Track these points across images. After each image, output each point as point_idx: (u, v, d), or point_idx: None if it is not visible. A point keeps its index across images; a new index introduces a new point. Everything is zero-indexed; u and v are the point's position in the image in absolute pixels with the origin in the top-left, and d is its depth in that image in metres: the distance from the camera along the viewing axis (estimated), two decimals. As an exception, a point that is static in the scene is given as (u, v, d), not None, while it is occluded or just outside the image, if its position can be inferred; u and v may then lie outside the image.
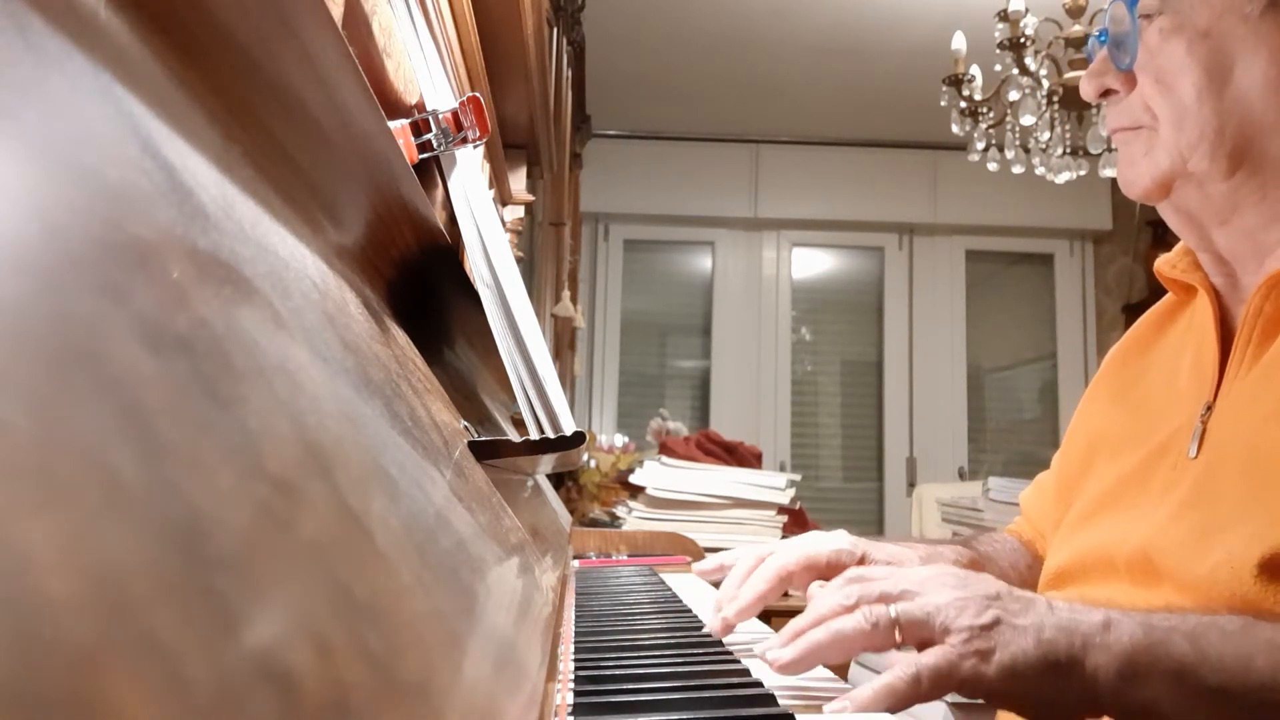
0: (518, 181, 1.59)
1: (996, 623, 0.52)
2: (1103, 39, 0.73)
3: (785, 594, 0.79)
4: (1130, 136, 0.71)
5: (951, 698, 1.22)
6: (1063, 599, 0.65)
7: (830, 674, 0.60)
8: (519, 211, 1.57)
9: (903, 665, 0.51)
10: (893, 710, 0.50)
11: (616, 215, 4.56)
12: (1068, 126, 2.61)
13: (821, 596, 0.58)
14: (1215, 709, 0.50)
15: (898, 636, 0.53)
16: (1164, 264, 0.78)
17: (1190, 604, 0.60)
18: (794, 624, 0.56)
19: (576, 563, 1.34)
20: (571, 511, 2.00)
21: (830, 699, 0.52)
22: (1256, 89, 0.64)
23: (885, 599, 0.55)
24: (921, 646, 0.53)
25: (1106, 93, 0.72)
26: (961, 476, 4.35)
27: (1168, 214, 0.74)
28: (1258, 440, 0.61)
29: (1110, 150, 2.43)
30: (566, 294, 2.72)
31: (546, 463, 0.76)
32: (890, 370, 4.56)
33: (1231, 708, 0.50)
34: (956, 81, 2.68)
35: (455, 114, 0.72)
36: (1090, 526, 0.74)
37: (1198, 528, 0.62)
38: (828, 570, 0.74)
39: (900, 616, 0.53)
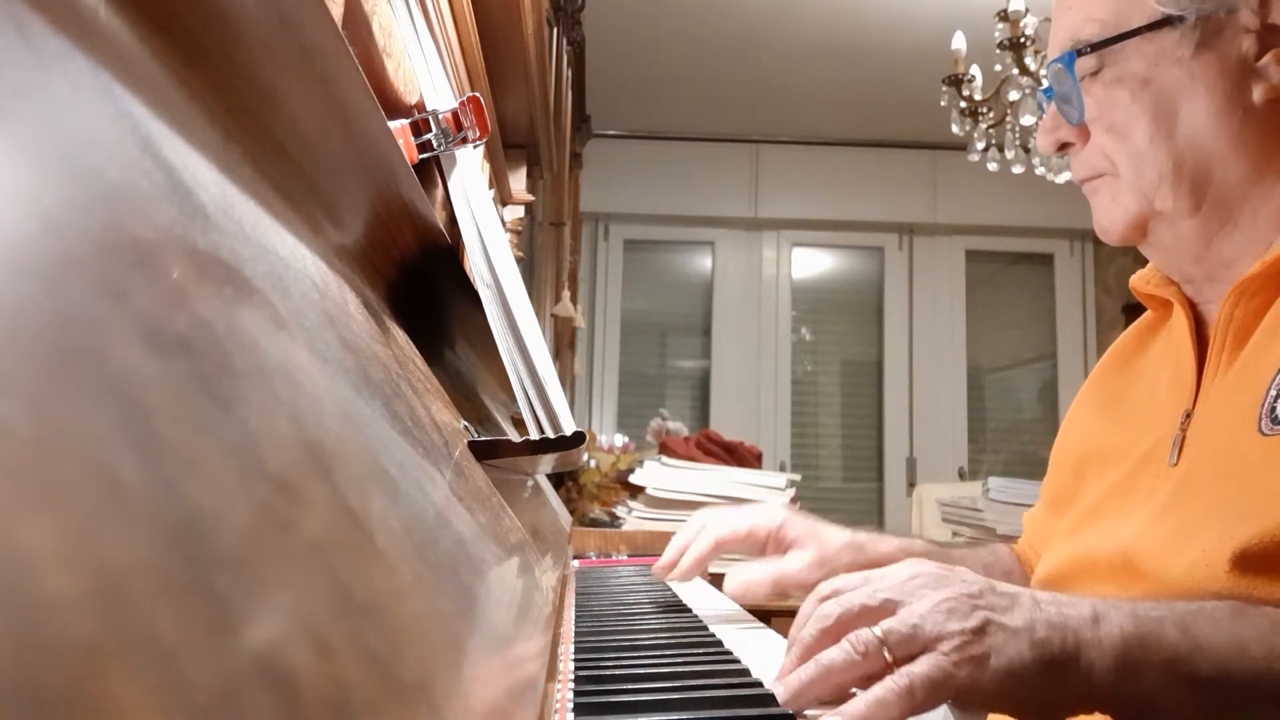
0: (518, 181, 1.58)
1: (986, 624, 0.50)
2: (1049, 94, 0.75)
3: (786, 596, 0.88)
4: (1096, 185, 0.74)
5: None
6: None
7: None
8: (519, 211, 1.57)
9: (894, 676, 0.49)
10: None
11: (616, 215, 4.56)
12: (1068, 126, 2.61)
13: (799, 621, 0.56)
14: (1210, 697, 0.50)
15: (888, 656, 0.50)
16: (1138, 280, 0.80)
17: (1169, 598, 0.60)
18: (784, 663, 0.54)
19: (576, 563, 1.34)
20: (571, 511, 2.00)
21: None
22: (1202, 125, 0.67)
23: (866, 614, 0.52)
24: (913, 659, 0.51)
25: (1064, 146, 0.75)
26: (961, 476, 4.35)
27: (1149, 253, 0.76)
28: (1231, 443, 0.62)
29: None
30: (566, 294, 2.71)
31: (546, 463, 0.76)
32: (890, 370, 4.56)
33: (1226, 695, 0.50)
34: (956, 81, 2.68)
35: (455, 114, 0.72)
36: (1078, 535, 0.75)
37: (1175, 530, 0.62)
38: (750, 540, 0.88)
39: (887, 636, 0.50)
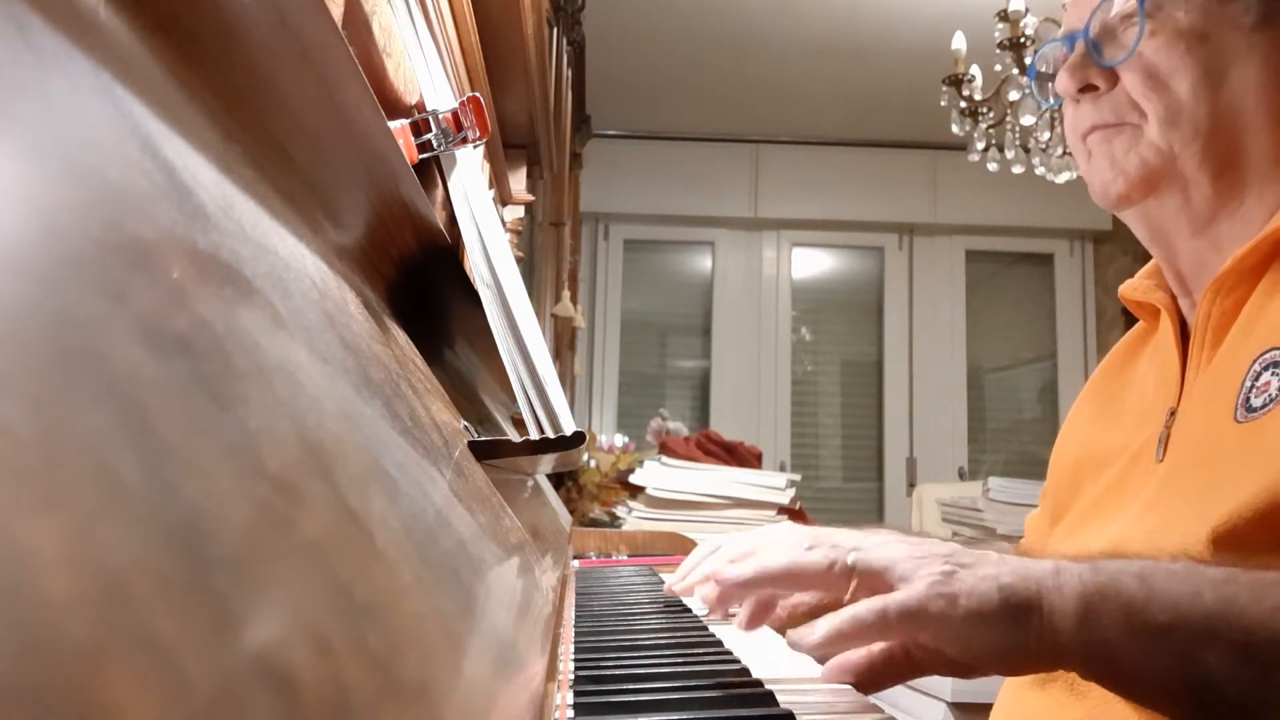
0: (518, 181, 1.59)
1: (955, 570, 0.53)
2: (1069, 42, 0.74)
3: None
4: (1111, 134, 0.72)
5: (951, 696, 1.22)
6: None
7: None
8: (519, 211, 1.57)
9: (869, 600, 0.51)
10: (857, 642, 0.52)
11: (616, 215, 4.55)
12: (1068, 126, 2.60)
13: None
14: (1166, 644, 0.51)
15: (853, 583, 0.53)
16: (1127, 288, 0.80)
17: None
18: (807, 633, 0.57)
19: (576, 563, 1.34)
20: (571, 511, 2.00)
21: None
22: (1249, 91, 0.68)
23: (839, 548, 0.56)
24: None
25: (1085, 89, 0.73)
26: (961, 476, 4.35)
27: (1138, 223, 0.74)
28: (1210, 435, 0.63)
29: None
30: (566, 294, 2.71)
31: (546, 463, 0.76)
32: (890, 370, 4.56)
33: (1180, 642, 0.50)
34: (956, 81, 2.68)
35: (455, 114, 0.72)
36: (1073, 537, 0.76)
37: (1159, 523, 0.64)
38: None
39: (857, 564, 0.54)
